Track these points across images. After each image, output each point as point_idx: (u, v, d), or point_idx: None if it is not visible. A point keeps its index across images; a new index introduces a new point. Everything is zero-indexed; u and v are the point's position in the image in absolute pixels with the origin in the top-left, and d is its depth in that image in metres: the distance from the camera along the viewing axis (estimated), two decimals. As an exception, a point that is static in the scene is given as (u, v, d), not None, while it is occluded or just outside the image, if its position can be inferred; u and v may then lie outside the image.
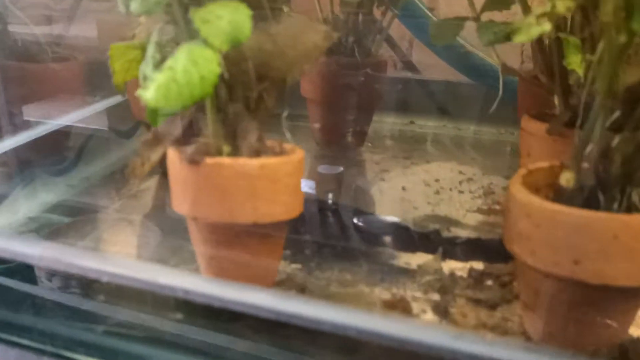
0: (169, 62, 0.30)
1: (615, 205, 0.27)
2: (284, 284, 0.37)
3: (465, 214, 0.49)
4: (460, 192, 0.54)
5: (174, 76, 0.29)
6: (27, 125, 0.54)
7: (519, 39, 0.28)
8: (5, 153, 0.53)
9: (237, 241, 0.34)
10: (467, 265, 0.40)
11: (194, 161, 0.33)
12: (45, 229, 0.45)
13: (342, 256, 0.41)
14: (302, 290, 0.36)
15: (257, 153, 0.34)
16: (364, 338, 0.27)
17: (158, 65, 0.34)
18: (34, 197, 0.49)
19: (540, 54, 0.41)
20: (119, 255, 0.41)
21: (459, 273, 0.39)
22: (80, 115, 0.54)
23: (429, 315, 0.35)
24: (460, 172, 0.59)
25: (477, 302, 0.36)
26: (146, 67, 0.34)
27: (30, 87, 0.56)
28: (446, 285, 0.37)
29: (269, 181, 0.33)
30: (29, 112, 0.52)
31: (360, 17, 0.62)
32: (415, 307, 0.35)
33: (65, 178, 0.53)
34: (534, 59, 0.56)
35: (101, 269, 0.31)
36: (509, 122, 0.68)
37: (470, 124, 0.74)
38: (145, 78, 0.34)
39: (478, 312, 0.35)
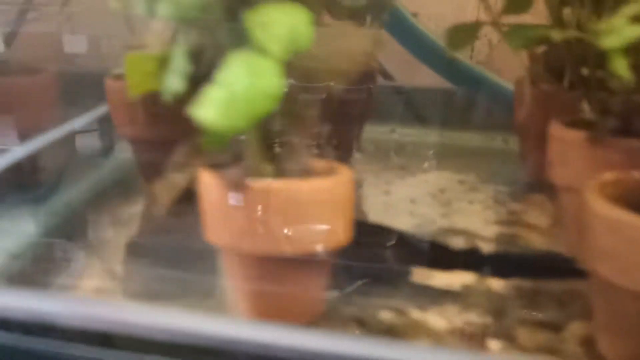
0: (222, 75, 0.26)
1: None
2: (330, 316, 0.33)
3: (484, 226, 0.47)
4: (470, 202, 0.52)
5: (232, 91, 0.25)
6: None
7: (610, 42, 0.26)
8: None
9: (285, 273, 0.31)
10: (511, 283, 0.38)
11: (238, 186, 0.29)
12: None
13: (376, 278, 0.38)
14: (359, 323, 0.33)
15: (306, 174, 0.31)
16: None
17: (189, 78, 0.29)
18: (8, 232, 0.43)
19: (571, 58, 0.40)
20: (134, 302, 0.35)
21: (506, 292, 0.37)
22: (56, 134, 0.48)
23: (493, 342, 0.32)
24: (461, 182, 0.58)
25: (537, 324, 0.34)
26: (177, 81, 0.29)
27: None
28: (499, 307, 0.35)
29: (322, 205, 0.30)
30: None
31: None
32: (476, 332, 0.33)
33: (45, 206, 0.46)
34: (532, 64, 0.55)
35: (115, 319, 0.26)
36: (495, 128, 0.68)
37: (452, 130, 0.73)
38: (176, 93, 0.29)
39: (543, 335, 0.32)
